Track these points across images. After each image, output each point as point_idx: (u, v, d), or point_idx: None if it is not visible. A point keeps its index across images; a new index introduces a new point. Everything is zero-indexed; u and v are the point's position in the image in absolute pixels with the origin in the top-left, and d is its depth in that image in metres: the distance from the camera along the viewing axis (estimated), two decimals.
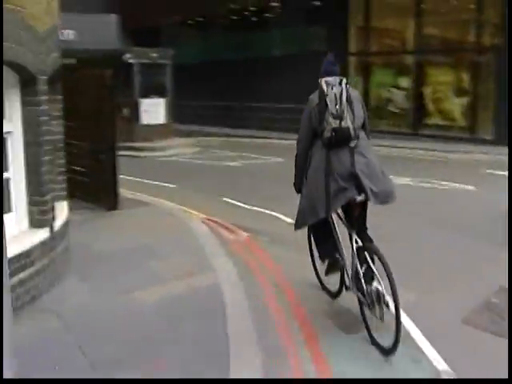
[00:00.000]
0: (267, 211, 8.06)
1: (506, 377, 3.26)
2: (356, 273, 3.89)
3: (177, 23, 23.17)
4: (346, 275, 4.18)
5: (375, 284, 3.68)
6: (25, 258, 4.47)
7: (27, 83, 4.51)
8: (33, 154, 4.63)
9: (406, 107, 17.14)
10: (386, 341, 3.66)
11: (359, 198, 3.74)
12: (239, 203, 8.71)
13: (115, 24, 24.79)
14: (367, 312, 3.86)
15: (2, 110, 4.31)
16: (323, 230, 4.19)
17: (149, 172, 12.91)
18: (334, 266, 4.26)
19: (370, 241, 3.92)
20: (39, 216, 4.75)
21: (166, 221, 7.30)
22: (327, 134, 3.76)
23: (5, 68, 4.32)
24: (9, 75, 4.42)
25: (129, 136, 17.33)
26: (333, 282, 4.56)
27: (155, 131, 17.03)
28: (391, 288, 3.53)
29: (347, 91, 3.80)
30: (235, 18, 20.40)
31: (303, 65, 17.51)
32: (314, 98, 3.97)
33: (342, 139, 3.76)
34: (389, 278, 3.55)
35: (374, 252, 3.77)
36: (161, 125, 17.33)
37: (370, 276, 3.76)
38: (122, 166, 14.33)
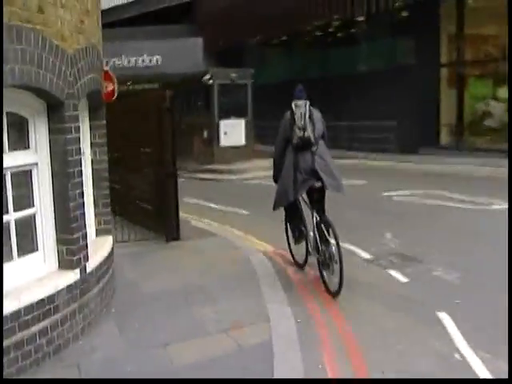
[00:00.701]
0: (343, 243, 7.07)
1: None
2: (315, 240, 5.21)
3: (260, 43, 22.88)
4: (309, 244, 5.49)
5: (329, 247, 4.96)
6: (48, 303, 3.95)
7: (53, 109, 4.04)
8: (60, 188, 4.13)
9: (507, 121, 15.37)
10: (334, 287, 4.98)
11: (317, 184, 5.03)
12: None
13: (200, 47, 25.14)
14: (323, 270, 5.18)
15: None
16: (293, 210, 5.57)
17: (224, 196, 12.40)
18: (301, 236, 5.66)
19: (325, 217, 5.16)
20: (68, 256, 4.23)
21: (228, 256, 6.58)
22: (295, 140, 5.04)
23: (27, 93, 3.88)
24: (34, 101, 3.97)
25: (208, 158, 17.09)
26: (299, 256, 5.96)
27: (235, 153, 16.58)
28: (337, 249, 4.83)
29: (310, 111, 5.12)
30: (319, 34, 19.66)
31: (390, 80, 16.39)
32: (287, 115, 5.25)
33: (305, 144, 5.02)
34: (336, 242, 4.86)
35: (327, 224, 5.06)
36: (241, 146, 16.85)
37: (324, 241, 5.06)
38: (199, 189, 14.16)
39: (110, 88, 11.34)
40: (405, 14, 16.07)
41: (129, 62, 26.21)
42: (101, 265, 4.78)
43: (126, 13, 32.23)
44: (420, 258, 6.28)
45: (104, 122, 5.16)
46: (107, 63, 26.04)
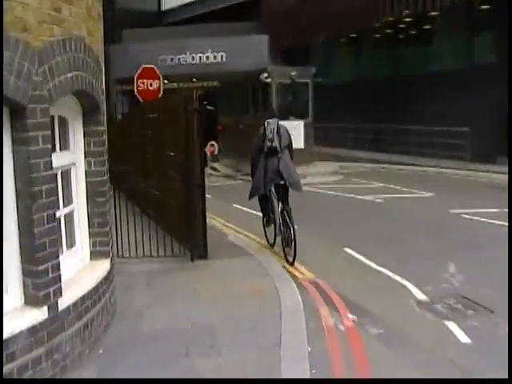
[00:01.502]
0: (395, 276, 5.97)
1: None
2: (279, 223, 6.70)
3: (328, 41, 21.77)
4: (275, 226, 6.80)
5: (288, 229, 6.49)
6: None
7: (15, 115, 3.30)
8: (23, 210, 3.39)
9: None
10: (291, 258, 6.45)
11: (281, 182, 6.57)
12: (363, 258, 6.69)
13: (265, 45, 24.36)
14: (284, 246, 6.65)
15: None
16: (264, 200, 6.91)
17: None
18: (269, 220, 6.99)
19: (287, 207, 6.62)
20: (34, 291, 3.49)
21: (256, 285, 5.57)
22: (265, 149, 6.50)
23: None
24: None
25: None
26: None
27: (294, 156, 15.60)
28: (293, 230, 6.34)
29: (278, 127, 6.56)
30: (389, 31, 18.28)
31: (466, 81, 14.81)
32: (261, 129, 6.65)
33: (273, 152, 6.48)
34: (292, 226, 6.39)
35: (288, 212, 6.54)
36: (300, 149, 15.72)
37: (285, 224, 6.57)
38: (247, 194, 13.28)
39: (156, 86, 10.78)
40: (484, 6, 14.43)
41: (193, 58, 25.84)
42: (85, 297, 4.02)
43: (192, 11, 32.04)
44: (489, 305, 4.97)
45: (101, 127, 4.40)
46: (172, 60, 25.89)
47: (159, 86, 10.75)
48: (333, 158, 18.84)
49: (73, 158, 4.23)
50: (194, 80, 28.63)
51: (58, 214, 3.76)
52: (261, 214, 7.34)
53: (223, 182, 16.40)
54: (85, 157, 4.35)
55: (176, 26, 30.15)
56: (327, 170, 15.89)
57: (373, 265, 6.46)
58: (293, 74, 15.13)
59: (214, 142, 18.75)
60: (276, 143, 6.41)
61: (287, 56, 23.26)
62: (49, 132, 3.47)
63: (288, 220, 6.44)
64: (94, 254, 4.52)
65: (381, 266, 6.34)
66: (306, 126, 15.70)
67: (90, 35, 4.05)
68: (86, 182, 4.38)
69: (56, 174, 3.82)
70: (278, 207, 6.69)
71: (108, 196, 4.57)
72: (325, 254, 7.11)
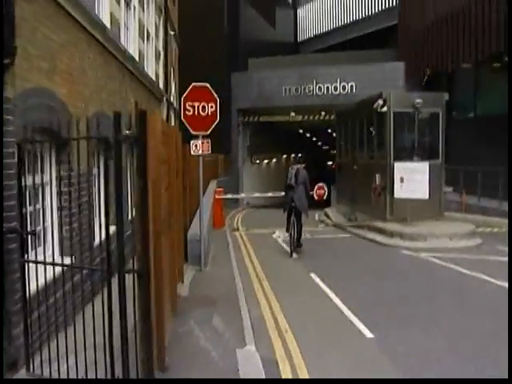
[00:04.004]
0: None
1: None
2: (291, 229, 10.30)
3: (476, 66, 17.47)
4: (291, 231, 10.36)
5: (294, 234, 10.29)
6: None
7: None
8: None
9: None
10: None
11: (293, 205, 10.10)
12: None
13: (401, 72, 20.89)
14: (291, 242, 10.27)
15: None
16: (288, 214, 10.35)
17: (364, 280, 7.90)
18: (289, 228, 10.35)
19: (298, 221, 10.26)
20: None
21: None
22: (288, 185, 10.27)
23: None
24: None
25: (379, 212, 12.67)
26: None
27: (416, 209, 11.68)
28: (298, 234, 10.41)
29: (297, 170, 10.20)
30: None
31: None
32: (287, 172, 10.49)
33: (291, 187, 10.17)
34: (299, 232, 10.39)
35: (296, 225, 10.24)
36: (424, 201, 11.80)
37: (293, 231, 10.25)
38: (348, 257, 10.10)
39: (211, 110, 8.07)
40: None
41: (320, 89, 23.08)
42: None
43: (327, 41, 29.51)
44: None
45: None
46: (296, 90, 23.25)
47: (215, 111, 8.01)
48: (474, 211, 14.51)
49: None
50: (323, 113, 25.80)
51: None
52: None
53: (330, 233, 13.17)
54: None
55: (303, 54, 27.80)
56: (460, 230, 11.60)
57: None
58: (417, 101, 11.41)
59: (322, 184, 15.57)
60: (293, 181, 10.06)
61: (426, 85, 19.39)
62: None
63: (295, 229, 10.15)
64: None
65: None
66: (433, 168, 11.81)
67: None
68: None
69: None
70: (293, 220, 10.12)
71: None
72: None
